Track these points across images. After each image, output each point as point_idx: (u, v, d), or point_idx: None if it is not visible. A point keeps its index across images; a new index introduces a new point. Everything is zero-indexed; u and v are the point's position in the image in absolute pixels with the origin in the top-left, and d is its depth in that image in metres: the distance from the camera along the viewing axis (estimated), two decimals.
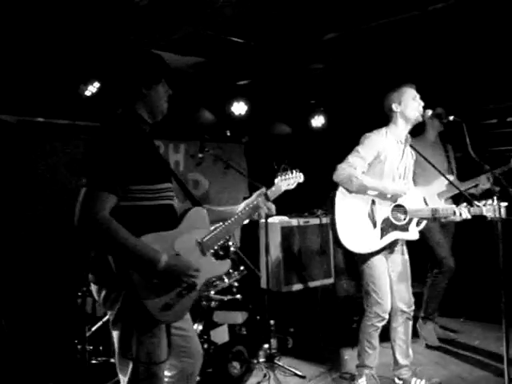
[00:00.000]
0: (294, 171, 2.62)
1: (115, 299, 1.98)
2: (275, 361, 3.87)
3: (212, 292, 3.73)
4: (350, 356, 4.06)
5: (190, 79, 4.90)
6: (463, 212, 2.99)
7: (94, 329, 3.53)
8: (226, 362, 3.49)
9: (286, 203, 3.14)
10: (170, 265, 1.96)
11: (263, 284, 4.54)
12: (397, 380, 3.38)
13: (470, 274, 4.98)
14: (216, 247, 3.27)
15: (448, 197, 4.13)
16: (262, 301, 4.17)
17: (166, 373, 2.26)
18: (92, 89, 4.33)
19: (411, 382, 3.31)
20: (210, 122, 5.50)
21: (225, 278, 3.73)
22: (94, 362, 3.51)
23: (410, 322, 3.35)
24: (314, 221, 4.98)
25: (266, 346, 3.93)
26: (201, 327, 3.55)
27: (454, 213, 3.01)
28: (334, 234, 3.21)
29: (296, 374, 3.74)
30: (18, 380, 3.54)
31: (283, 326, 4.43)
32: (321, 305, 4.90)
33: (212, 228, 2.27)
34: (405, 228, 3.21)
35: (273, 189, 2.52)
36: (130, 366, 1.98)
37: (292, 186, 2.61)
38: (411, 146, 3.32)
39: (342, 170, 3.15)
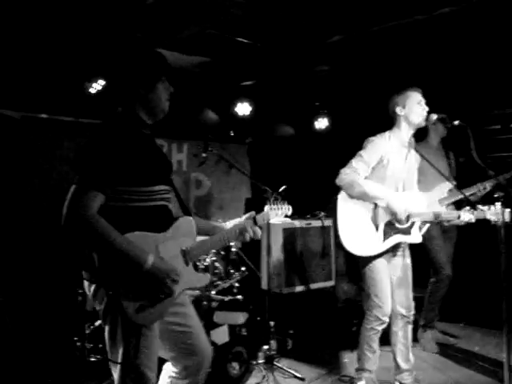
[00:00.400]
0: (284, 204, 2.62)
1: (102, 296, 1.99)
2: (274, 362, 3.86)
3: (213, 292, 3.72)
4: (349, 359, 4.05)
5: (194, 79, 4.91)
6: (467, 215, 2.97)
7: (93, 326, 3.53)
8: (226, 362, 3.48)
9: (289, 205, 3.14)
10: (155, 267, 1.96)
11: (264, 285, 4.54)
12: None
13: (470, 278, 4.97)
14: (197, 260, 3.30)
15: (449, 203, 4.12)
16: (262, 302, 4.17)
17: (173, 368, 2.28)
18: (97, 86, 4.34)
19: None
20: (213, 122, 5.51)
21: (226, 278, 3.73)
22: (93, 359, 3.52)
23: (410, 326, 3.33)
24: (316, 223, 4.97)
25: (266, 347, 3.92)
26: None
27: (459, 216, 2.99)
28: (337, 237, 3.21)
29: (295, 376, 3.73)
30: (17, 377, 3.54)
31: (283, 328, 4.42)
32: (321, 307, 4.89)
33: (198, 240, 2.27)
34: (407, 231, 3.20)
35: (262, 215, 2.51)
36: (119, 361, 1.99)
37: (280, 218, 2.61)
38: (416, 149, 3.31)
39: (345, 175, 3.13)
